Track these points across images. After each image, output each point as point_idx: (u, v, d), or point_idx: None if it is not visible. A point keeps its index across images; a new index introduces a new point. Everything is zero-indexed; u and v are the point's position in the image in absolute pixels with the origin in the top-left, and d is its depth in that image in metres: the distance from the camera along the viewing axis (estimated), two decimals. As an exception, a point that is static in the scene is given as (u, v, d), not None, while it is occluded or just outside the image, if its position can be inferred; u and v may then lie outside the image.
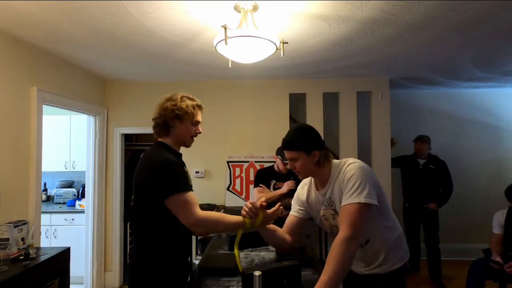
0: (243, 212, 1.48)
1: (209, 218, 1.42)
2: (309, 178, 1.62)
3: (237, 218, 1.48)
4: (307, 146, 1.44)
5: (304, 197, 1.62)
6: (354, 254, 1.29)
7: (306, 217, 1.64)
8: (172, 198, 1.35)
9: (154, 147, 1.53)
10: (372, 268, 1.53)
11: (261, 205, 1.48)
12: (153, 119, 1.54)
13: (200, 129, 1.59)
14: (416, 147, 3.81)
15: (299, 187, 1.69)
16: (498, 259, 2.72)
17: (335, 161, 1.51)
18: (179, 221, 1.38)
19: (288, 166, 1.52)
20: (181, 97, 1.52)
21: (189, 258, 1.62)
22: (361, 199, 1.31)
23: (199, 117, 1.56)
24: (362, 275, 1.56)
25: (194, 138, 1.59)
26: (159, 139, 1.55)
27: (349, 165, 1.43)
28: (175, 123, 1.50)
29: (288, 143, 1.47)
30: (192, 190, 1.44)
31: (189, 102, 1.52)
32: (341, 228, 1.30)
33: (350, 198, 1.33)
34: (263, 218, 1.50)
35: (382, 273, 1.51)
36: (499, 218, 2.89)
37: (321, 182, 1.52)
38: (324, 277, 1.19)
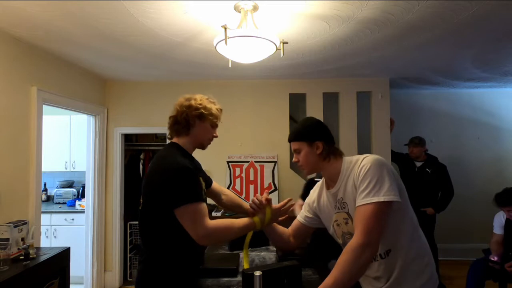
0: (250, 209, 1.45)
1: (219, 228, 1.34)
2: (322, 181, 1.47)
3: (246, 221, 1.42)
4: (309, 136, 1.34)
5: (315, 199, 1.47)
6: (367, 263, 1.12)
7: (312, 226, 1.51)
8: (181, 208, 1.28)
9: (168, 149, 1.44)
10: None
11: (267, 200, 1.44)
12: (171, 116, 1.47)
13: (217, 133, 1.54)
14: (408, 150, 3.74)
15: (312, 190, 1.55)
16: (495, 258, 2.72)
17: (348, 157, 1.35)
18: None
19: (293, 160, 1.42)
20: (206, 98, 1.49)
21: (200, 264, 1.57)
22: (380, 197, 1.13)
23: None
24: None
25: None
26: (174, 140, 1.48)
27: (364, 159, 1.25)
28: (196, 122, 1.45)
29: (292, 134, 1.40)
30: (204, 201, 1.37)
31: (213, 105, 1.49)
32: (355, 233, 1.13)
33: (367, 197, 1.15)
34: (271, 215, 1.46)
35: None
36: (500, 218, 2.89)
37: (331, 179, 1.36)
38: (329, 280, 1.08)
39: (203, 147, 1.53)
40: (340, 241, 1.38)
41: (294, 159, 1.40)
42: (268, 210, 1.45)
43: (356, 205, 1.18)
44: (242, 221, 1.41)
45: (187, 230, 1.30)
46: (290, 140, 1.41)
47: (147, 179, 1.38)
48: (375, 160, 1.22)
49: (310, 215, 1.49)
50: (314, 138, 1.33)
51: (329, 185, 1.39)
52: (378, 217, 1.12)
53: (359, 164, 1.24)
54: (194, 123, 1.45)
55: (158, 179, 1.33)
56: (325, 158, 1.33)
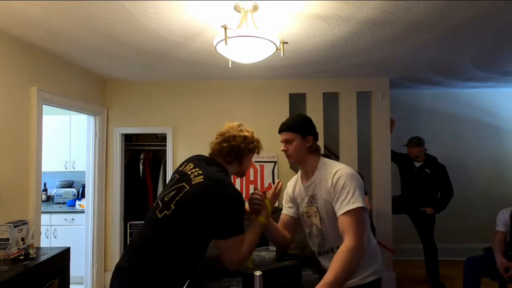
0: (254, 206, 1.51)
1: (247, 250, 1.37)
2: (298, 175, 1.65)
3: (256, 226, 1.47)
4: (303, 130, 1.53)
5: (291, 190, 1.67)
6: (360, 261, 1.35)
7: (296, 216, 1.65)
8: (231, 239, 1.31)
9: (222, 173, 1.42)
10: None
11: (264, 192, 1.55)
12: (226, 145, 1.46)
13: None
14: (407, 151, 3.76)
15: (288, 183, 1.73)
16: (501, 268, 2.65)
17: (323, 158, 1.57)
18: (205, 246, 1.36)
19: (281, 148, 1.56)
20: (251, 130, 1.55)
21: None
22: (360, 203, 1.36)
23: None
24: None
25: None
26: (222, 163, 1.47)
27: (338, 171, 1.45)
28: (248, 154, 1.52)
29: (286, 125, 1.55)
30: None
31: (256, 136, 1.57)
32: (348, 236, 1.33)
33: (349, 204, 1.36)
34: (270, 203, 1.54)
35: (356, 286, 1.44)
36: (504, 215, 2.82)
37: (307, 172, 1.56)
38: (329, 277, 1.23)
39: (242, 175, 1.59)
40: (307, 230, 1.61)
41: (283, 148, 1.57)
42: (267, 201, 1.54)
43: (340, 212, 1.38)
44: (255, 229, 1.47)
45: (223, 256, 1.33)
46: (284, 130, 1.55)
47: (199, 194, 1.30)
48: (349, 173, 1.44)
49: (291, 204, 1.66)
50: (307, 133, 1.54)
51: (303, 178, 1.60)
52: (362, 220, 1.37)
53: (333, 174, 1.45)
54: (246, 155, 1.52)
55: (216, 203, 1.29)
56: (311, 152, 1.54)
